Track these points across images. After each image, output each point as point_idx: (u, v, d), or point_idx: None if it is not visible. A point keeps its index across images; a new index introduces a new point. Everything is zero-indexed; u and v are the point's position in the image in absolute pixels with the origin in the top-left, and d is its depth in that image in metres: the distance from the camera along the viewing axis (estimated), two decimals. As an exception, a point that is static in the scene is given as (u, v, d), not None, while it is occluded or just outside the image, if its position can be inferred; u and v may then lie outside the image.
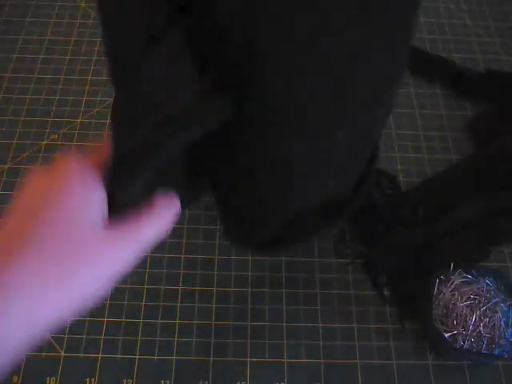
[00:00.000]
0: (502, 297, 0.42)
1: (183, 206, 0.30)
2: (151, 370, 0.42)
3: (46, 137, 0.54)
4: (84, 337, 0.43)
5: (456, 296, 0.42)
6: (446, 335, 0.41)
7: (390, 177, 0.52)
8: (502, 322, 0.41)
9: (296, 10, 0.22)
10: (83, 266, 0.25)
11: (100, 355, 0.43)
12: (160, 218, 0.28)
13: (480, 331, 0.41)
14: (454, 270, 0.44)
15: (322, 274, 0.47)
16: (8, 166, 0.52)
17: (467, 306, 0.42)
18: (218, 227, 0.49)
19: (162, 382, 0.42)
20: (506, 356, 0.40)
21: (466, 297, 0.42)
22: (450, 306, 0.42)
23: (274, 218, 0.35)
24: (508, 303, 0.42)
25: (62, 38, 0.61)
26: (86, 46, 0.61)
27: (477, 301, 0.42)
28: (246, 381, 0.42)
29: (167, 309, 0.45)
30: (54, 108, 0.56)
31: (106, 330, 0.44)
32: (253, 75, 0.25)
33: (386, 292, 0.46)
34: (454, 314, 0.41)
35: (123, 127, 0.26)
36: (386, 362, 0.44)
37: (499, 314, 0.41)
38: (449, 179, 0.51)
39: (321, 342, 0.44)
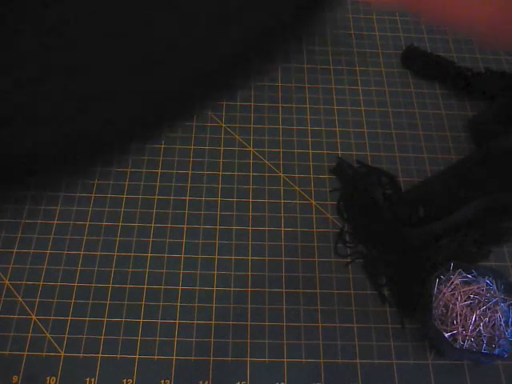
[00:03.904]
0: (502, 296, 0.42)
1: None
2: (151, 370, 0.42)
3: None
4: (84, 337, 0.43)
5: (456, 296, 0.42)
6: (446, 335, 0.41)
7: (390, 177, 0.52)
8: (502, 322, 0.41)
9: None
10: None
11: (100, 355, 0.43)
12: None
13: (480, 331, 0.41)
14: (454, 269, 0.44)
15: (321, 274, 0.47)
16: None
17: (467, 305, 0.42)
18: (217, 227, 0.49)
19: (162, 382, 0.42)
20: (506, 356, 0.40)
21: (466, 296, 0.42)
22: (450, 305, 0.42)
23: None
24: (508, 303, 0.42)
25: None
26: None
27: (477, 300, 0.42)
28: (246, 381, 0.42)
29: (167, 309, 0.45)
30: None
31: (105, 329, 0.44)
32: None
33: (385, 292, 0.46)
34: (454, 314, 0.41)
35: None
36: (386, 361, 0.44)
37: (499, 314, 0.41)
38: (449, 179, 0.51)
39: (321, 342, 0.44)
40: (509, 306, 0.42)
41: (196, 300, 0.45)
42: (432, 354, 0.44)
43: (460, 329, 0.41)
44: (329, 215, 0.50)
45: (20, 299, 0.45)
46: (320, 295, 0.46)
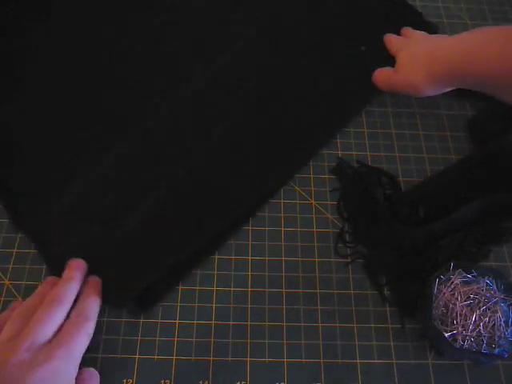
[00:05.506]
0: (502, 296, 0.42)
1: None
2: (151, 370, 0.42)
3: None
4: (84, 337, 0.43)
5: (456, 296, 0.42)
6: (446, 335, 0.41)
7: (390, 177, 0.52)
8: (502, 322, 0.41)
9: None
10: None
11: (100, 355, 0.43)
12: None
13: (480, 331, 0.41)
14: (454, 269, 0.44)
15: (321, 274, 0.47)
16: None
17: (467, 305, 0.42)
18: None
19: (162, 381, 0.42)
20: (506, 356, 0.40)
21: (466, 296, 0.42)
22: (450, 305, 0.42)
23: None
24: (508, 303, 0.42)
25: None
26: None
27: (477, 300, 0.42)
28: (246, 381, 0.42)
29: (167, 309, 0.45)
30: None
31: (106, 329, 0.44)
32: None
33: (385, 292, 0.46)
34: (454, 314, 0.41)
35: None
36: (386, 361, 0.44)
37: (499, 314, 0.41)
38: (449, 179, 0.51)
39: (321, 342, 0.44)
40: (509, 305, 0.42)
41: (196, 300, 0.45)
42: (432, 354, 0.44)
43: (460, 329, 0.41)
44: (329, 215, 0.50)
45: (20, 299, 0.45)
46: (320, 295, 0.46)
